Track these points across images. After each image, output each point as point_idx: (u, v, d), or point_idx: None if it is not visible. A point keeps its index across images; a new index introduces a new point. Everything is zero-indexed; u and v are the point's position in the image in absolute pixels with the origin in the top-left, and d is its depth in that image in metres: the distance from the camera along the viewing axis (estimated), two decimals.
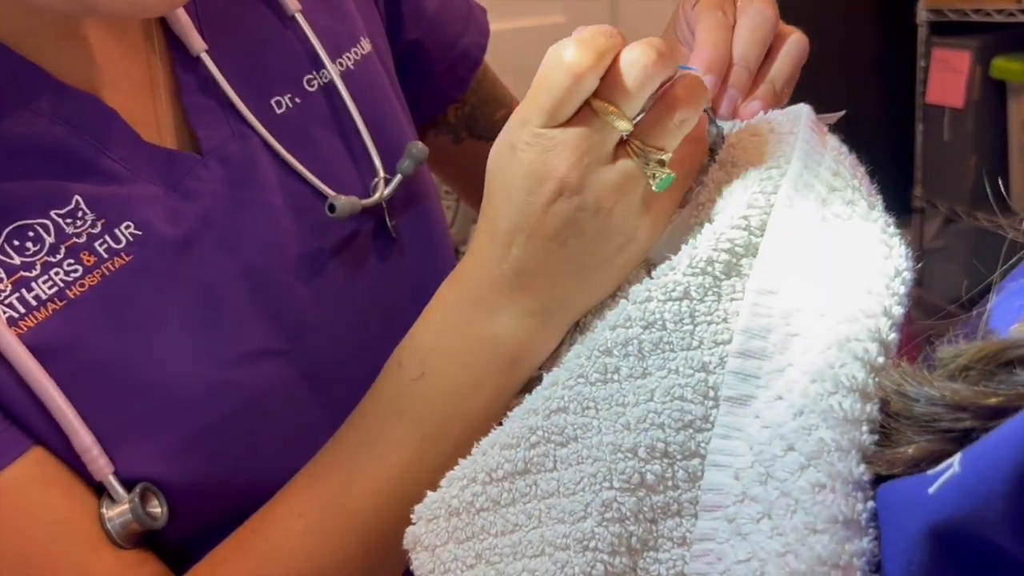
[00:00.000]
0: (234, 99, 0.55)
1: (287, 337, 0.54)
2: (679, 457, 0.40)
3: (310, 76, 0.59)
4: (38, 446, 0.46)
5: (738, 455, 0.38)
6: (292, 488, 0.49)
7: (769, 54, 0.52)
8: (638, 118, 0.45)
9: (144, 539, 0.49)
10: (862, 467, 0.34)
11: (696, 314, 0.42)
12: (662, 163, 0.44)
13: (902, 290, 0.40)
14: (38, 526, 0.46)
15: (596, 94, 0.43)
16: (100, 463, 0.47)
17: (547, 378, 0.44)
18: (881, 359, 0.37)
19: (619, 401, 0.41)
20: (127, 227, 0.49)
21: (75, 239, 0.48)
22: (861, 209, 0.44)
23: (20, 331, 0.46)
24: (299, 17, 0.59)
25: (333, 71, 0.59)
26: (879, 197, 0.47)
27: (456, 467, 0.43)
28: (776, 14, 0.52)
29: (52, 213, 0.48)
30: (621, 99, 0.43)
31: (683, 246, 0.44)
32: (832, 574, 0.32)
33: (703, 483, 0.39)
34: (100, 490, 0.48)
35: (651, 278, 0.44)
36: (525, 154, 0.43)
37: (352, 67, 0.61)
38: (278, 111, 0.57)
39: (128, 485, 0.48)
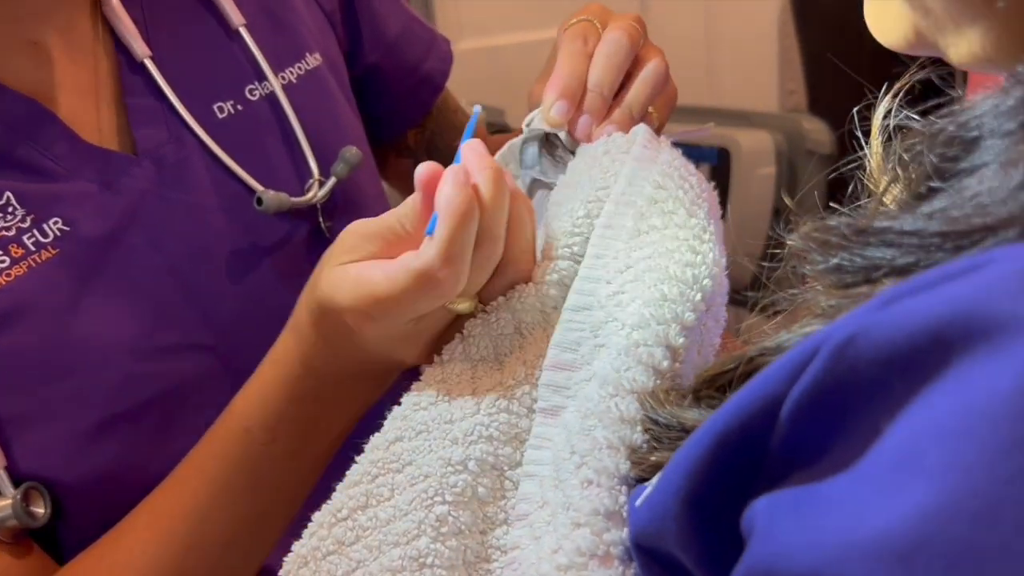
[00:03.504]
0: (175, 103, 0.59)
1: (212, 333, 0.58)
2: (506, 468, 0.43)
3: (252, 86, 0.64)
4: None
5: (544, 463, 0.41)
6: (137, 520, 0.51)
7: (628, 80, 0.55)
8: None
9: (31, 534, 0.53)
10: (628, 463, 0.36)
11: (524, 346, 0.45)
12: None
13: (697, 297, 0.42)
14: None
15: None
16: None
17: (389, 416, 0.46)
18: (666, 363, 0.40)
19: (447, 418, 0.44)
20: (55, 222, 0.54)
21: (4, 232, 0.52)
22: (679, 217, 0.46)
23: None
24: (243, 31, 0.64)
25: (275, 83, 0.64)
26: (707, 204, 0.49)
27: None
28: (633, 41, 0.54)
29: None
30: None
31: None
32: (590, 564, 0.35)
33: (518, 493, 0.41)
34: None
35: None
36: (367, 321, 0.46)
37: (295, 80, 0.65)
38: (219, 116, 0.62)
39: (20, 482, 0.51)
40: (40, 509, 0.52)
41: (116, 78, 0.60)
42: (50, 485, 0.53)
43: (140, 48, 0.60)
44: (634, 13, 0.58)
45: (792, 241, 0.34)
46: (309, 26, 0.68)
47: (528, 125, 0.56)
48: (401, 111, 0.78)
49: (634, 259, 0.45)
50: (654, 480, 0.31)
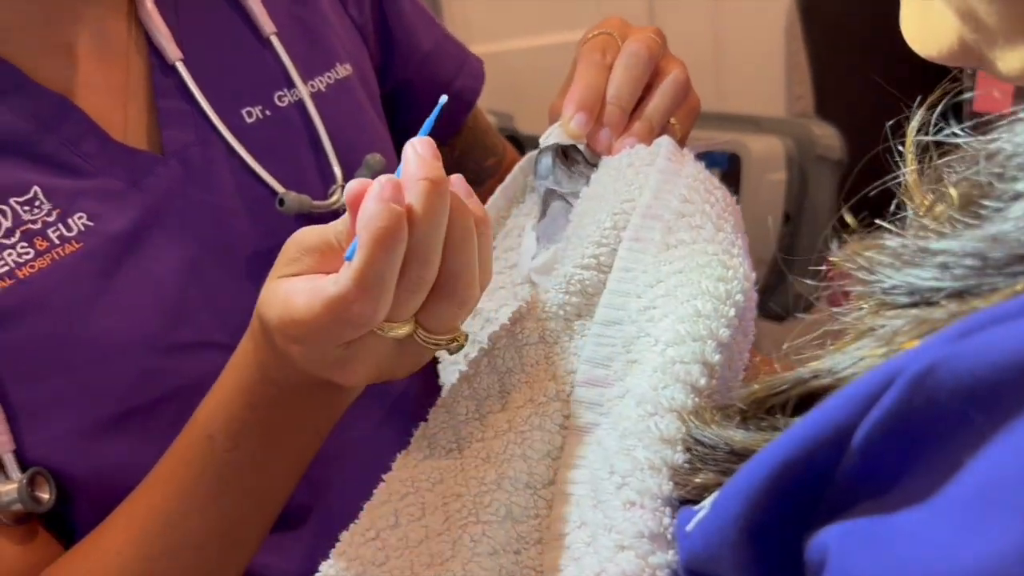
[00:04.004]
0: (204, 105, 0.60)
1: (228, 332, 0.57)
2: (539, 486, 0.42)
3: (281, 93, 0.64)
4: None
5: (579, 483, 0.40)
6: (116, 521, 0.52)
7: (648, 92, 0.55)
8: None
9: (42, 518, 0.54)
10: (670, 484, 0.36)
11: (551, 356, 0.44)
12: (456, 339, 0.44)
13: (731, 313, 0.42)
14: None
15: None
16: (2, 439, 0.51)
17: (415, 435, 0.46)
18: (704, 380, 0.39)
19: (478, 436, 0.43)
20: (80, 217, 0.54)
21: (30, 225, 0.53)
22: (707, 232, 0.46)
23: None
24: (274, 39, 0.64)
25: (303, 90, 0.64)
26: (733, 218, 0.49)
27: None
28: (652, 54, 0.55)
29: (11, 200, 0.53)
30: (390, 313, 0.41)
31: (538, 289, 0.46)
32: None
33: (552, 512, 0.41)
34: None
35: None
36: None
37: (324, 89, 0.66)
38: (248, 120, 0.62)
39: (27, 468, 0.52)
40: (45, 495, 0.53)
41: (147, 79, 0.61)
42: (58, 473, 0.53)
43: (172, 51, 0.60)
44: (654, 27, 0.58)
45: (839, 259, 0.33)
46: (340, 37, 0.69)
47: (546, 137, 0.56)
48: (431, 129, 0.78)
49: (664, 273, 0.45)
50: (706, 504, 0.31)
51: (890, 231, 0.32)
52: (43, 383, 0.53)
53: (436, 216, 0.40)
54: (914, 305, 0.28)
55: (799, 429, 0.26)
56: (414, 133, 0.76)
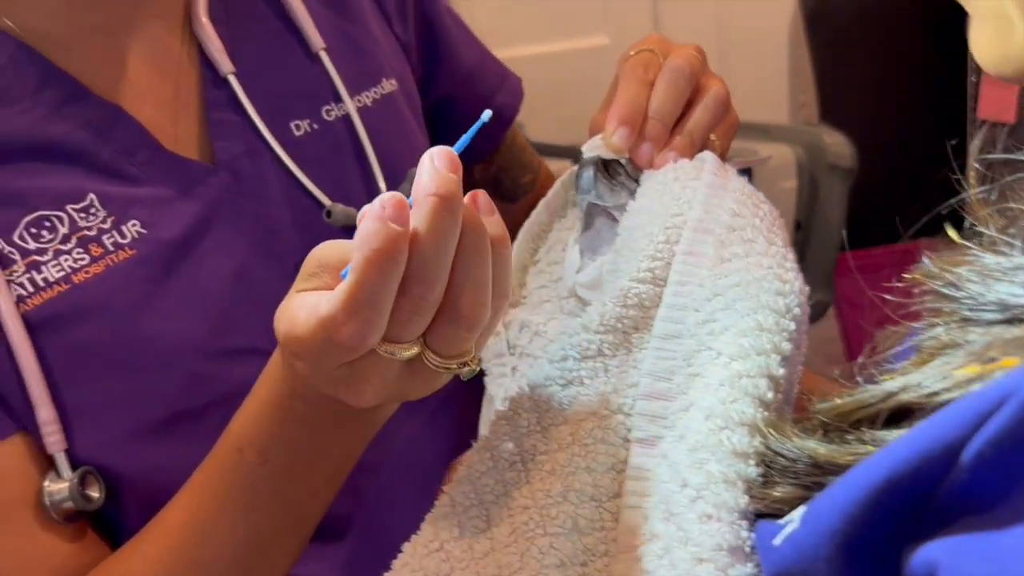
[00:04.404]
0: (254, 118, 0.61)
1: (275, 339, 0.58)
2: (604, 499, 0.42)
3: (329, 107, 0.65)
4: (19, 434, 0.52)
5: (647, 495, 0.41)
6: (153, 529, 0.52)
7: (689, 107, 0.56)
8: None
9: (87, 517, 0.54)
10: (746, 498, 0.36)
11: (609, 368, 0.45)
12: (468, 363, 0.42)
13: (792, 327, 0.42)
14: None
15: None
16: (55, 438, 0.52)
17: (475, 446, 0.46)
18: (771, 394, 0.40)
19: (541, 449, 0.44)
20: (133, 225, 0.55)
21: (86, 231, 0.54)
22: (759, 246, 0.47)
23: (27, 307, 0.52)
24: (323, 55, 0.65)
25: (351, 105, 0.65)
26: (781, 232, 0.49)
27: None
28: (694, 70, 0.55)
29: (68, 207, 0.54)
30: (393, 334, 0.40)
31: (594, 302, 0.47)
32: None
33: (619, 524, 0.41)
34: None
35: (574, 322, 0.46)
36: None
37: (370, 104, 0.67)
38: (296, 133, 0.63)
39: (77, 466, 0.53)
40: (96, 493, 0.53)
41: (199, 92, 0.61)
42: (107, 473, 0.54)
43: (225, 64, 0.61)
44: (694, 44, 0.59)
45: (921, 275, 0.34)
46: (386, 54, 0.70)
47: (588, 151, 0.57)
48: (470, 144, 0.78)
49: (722, 287, 0.45)
50: (795, 517, 0.31)
51: (974, 248, 0.32)
52: (96, 385, 0.54)
53: (442, 235, 0.38)
54: (1006, 322, 0.29)
55: (903, 446, 0.26)
56: (453, 146, 0.76)
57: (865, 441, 0.31)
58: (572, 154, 1.28)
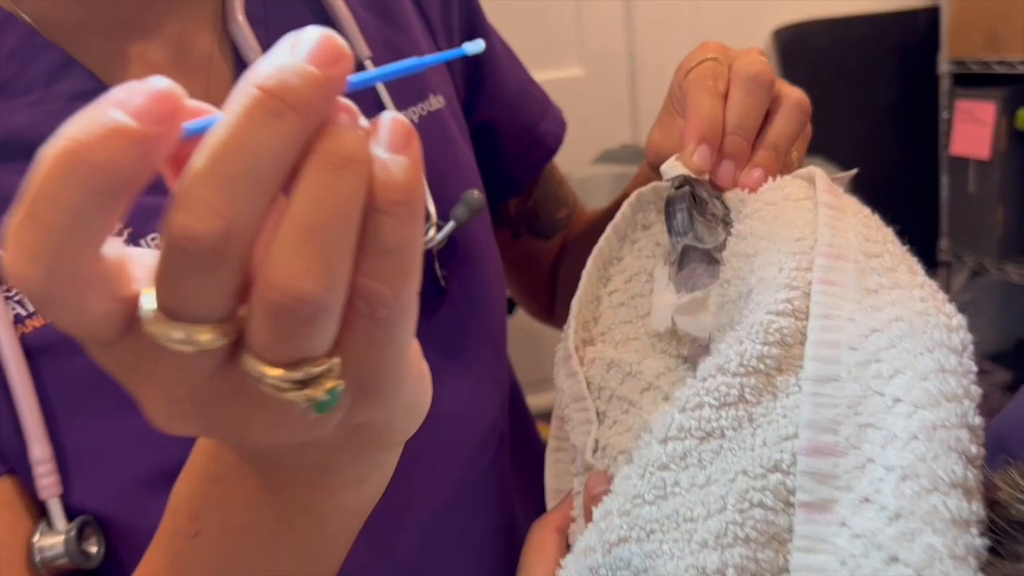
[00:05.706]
0: None
1: None
2: (767, 575, 0.35)
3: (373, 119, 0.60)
4: (7, 477, 0.46)
5: (828, 570, 0.34)
6: None
7: (768, 118, 0.50)
8: None
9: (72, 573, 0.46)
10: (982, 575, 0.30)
11: (754, 416, 0.38)
12: (320, 379, 0.25)
13: (973, 367, 0.36)
14: None
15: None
16: (49, 480, 0.45)
17: (597, 511, 0.39)
18: (975, 448, 0.33)
19: (687, 516, 0.37)
20: (153, 239, 0.50)
21: None
22: (903, 276, 0.41)
23: (25, 329, 0.46)
24: (368, 63, 0.60)
25: None
26: (912, 258, 0.44)
27: None
28: (771, 77, 0.50)
29: None
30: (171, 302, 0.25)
31: (725, 340, 0.40)
32: None
33: None
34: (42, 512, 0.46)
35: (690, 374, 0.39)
36: None
37: (417, 120, 0.61)
38: None
39: (72, 515, 0.46)
40: (94, 548, 0.46)
41: (229, 93, 0.57)
42: (106, 524, 0.47)
43: None
44: (757, 47, 0.54)
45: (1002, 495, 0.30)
46: (433, 70, 0.64)
47: (667, 171, 0.50)
48: (510, 174, 0.73)
49: (879, 322, 0.39)
50: None
51: None
52: (99, 422, 0.47)
53: (257, 146, 0.25)
54: None
55: None
56: (494, 184, 0.69)
57: None
58: None
